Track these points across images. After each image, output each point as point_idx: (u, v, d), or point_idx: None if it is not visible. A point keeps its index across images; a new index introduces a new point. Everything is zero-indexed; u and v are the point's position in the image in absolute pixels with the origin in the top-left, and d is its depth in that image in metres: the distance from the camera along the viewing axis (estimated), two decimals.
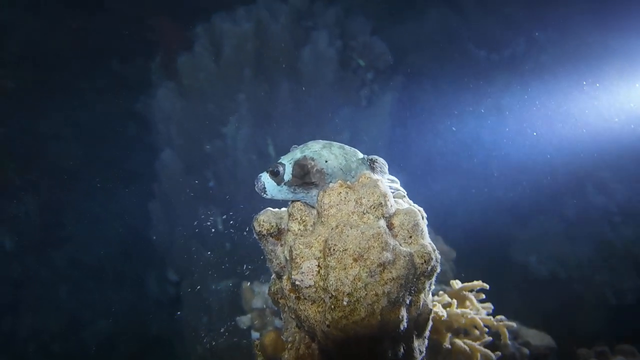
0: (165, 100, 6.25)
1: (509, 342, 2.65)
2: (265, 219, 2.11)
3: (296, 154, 2.03)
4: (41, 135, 7.12)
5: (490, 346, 2.51)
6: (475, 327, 2.46)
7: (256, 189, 2.06)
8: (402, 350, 1.85)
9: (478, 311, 2.56)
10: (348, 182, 1.97)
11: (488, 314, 2.73)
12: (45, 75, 7.30)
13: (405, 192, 2.20)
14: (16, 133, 7.22)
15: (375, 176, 2.03)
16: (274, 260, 2.15)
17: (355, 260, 1.79)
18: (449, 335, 2.41)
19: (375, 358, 1.79)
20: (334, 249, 1.82)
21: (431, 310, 1.98)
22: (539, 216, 6.62)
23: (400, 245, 1.89)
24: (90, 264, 7.36)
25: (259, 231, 2.10)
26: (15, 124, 7.01)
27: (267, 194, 2.05)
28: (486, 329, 2.50)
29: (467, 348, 2.34)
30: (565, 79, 6.13)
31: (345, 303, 1.77)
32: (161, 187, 6.16)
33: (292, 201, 2.08)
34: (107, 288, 7.41)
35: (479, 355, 2.34)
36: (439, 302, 2.55)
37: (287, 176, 2.01)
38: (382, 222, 1.87)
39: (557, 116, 6.10)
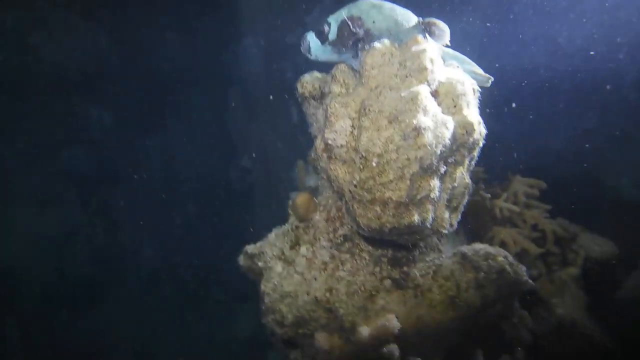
0: None
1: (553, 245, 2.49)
2: (309, 80, 2.08)
3: (343, 12, 1.93)
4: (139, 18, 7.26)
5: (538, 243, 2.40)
6: (523, 221, 2.34)
7: (301, 49, 2.02)
8: (430, 218, 1.81)
9: (529, 207, 2.42)
10: (395, 44, 1.85)
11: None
12: None
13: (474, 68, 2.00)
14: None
15: (429, 41, 1.88)
16: (315, 124, 2.14)
17: (390, 122, 1.72)
18: (492, 224, 2.32)
19: (400, 222, 1.77)
20: (369, 109, 1.75)
21: (468, 184, 1.89)
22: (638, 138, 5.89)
23: (443, 113, 1.78)
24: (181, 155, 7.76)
25: (302, 92, 2.09)
26: None
27: (311, 55, 2.00)
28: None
29: (510, 237, 2.25)
30: None
31: (374, 164, 1.73)
32: (241, 77, 6.28)
33: (338, 63, 2.01)
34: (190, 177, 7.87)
35: (520, 247, 2.25)
36: (489, 193, 2.44)
37: (332, 35, 1.93)
38: (425, 87, 1.76)
39: None
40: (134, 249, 7.33)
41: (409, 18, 1.92)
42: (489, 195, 2.35)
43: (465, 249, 2.02)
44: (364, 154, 1.75)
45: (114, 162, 7.29)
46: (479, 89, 1.94)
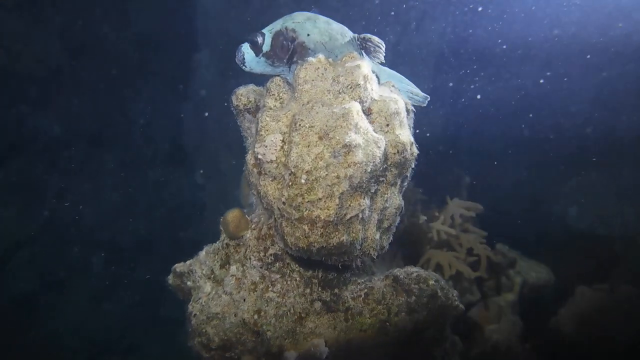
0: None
1: (485, 271, 2.47)
2: (244, 93, 2.01)
3: (278, 24, 1.88)
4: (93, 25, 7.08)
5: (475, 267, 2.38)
6: (459, 245, 2.31)
7: (236, 60, 1.95)
8: (359, 239, 1.75)
9: (466, 231, 2.40)
10: (330, 59, 1.81)
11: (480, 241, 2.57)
12: None
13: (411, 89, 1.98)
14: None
15: (364, 58, 1.85)
16: (249, 138, 2.07)
17: (320, 138, 1.67)
18: (428, 247, 2.29)
19: (328, 242, 1.70)
20: (300, 124, 1.70)
21: (400, 205, 1.85)
22: (592, 170, 6.05)
23: (375, 131, 1.74)
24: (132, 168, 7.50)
25: (236, 105, 2.01)
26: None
27: (246, 66, 1.93)
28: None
29: (446, 261, 2.22)
30: None
31: (303, 181, 1.67)
32: (194, 89, 6.18)
33: (273, 77, 1.96)
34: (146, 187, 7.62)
35: (455, 270, 2.22)
36: (425, 216, 2.42)
37: (266, 47, 1.88)
38: (357, 104, 1.72)
39: None
40: (80, 266, 7.01)
41: (345, 33, 1.88)
42: (426, 218, 2.32)
43: (398, 271, 1.97)
44: (293, 170, 1.68)
45: (62, 174, 6.99)
46: (414, 110, 1.92)
